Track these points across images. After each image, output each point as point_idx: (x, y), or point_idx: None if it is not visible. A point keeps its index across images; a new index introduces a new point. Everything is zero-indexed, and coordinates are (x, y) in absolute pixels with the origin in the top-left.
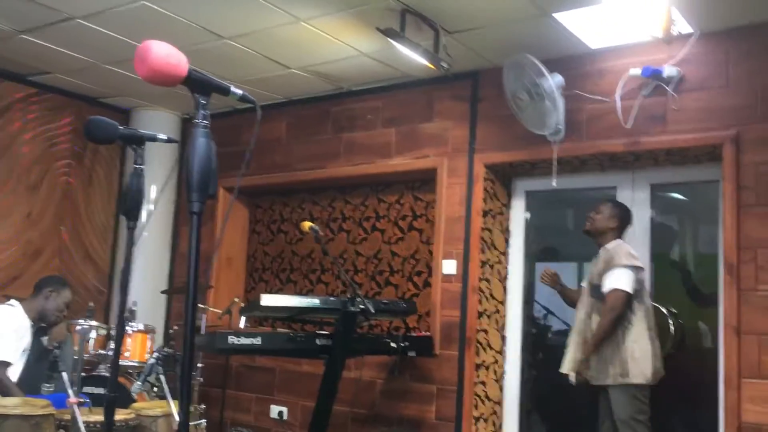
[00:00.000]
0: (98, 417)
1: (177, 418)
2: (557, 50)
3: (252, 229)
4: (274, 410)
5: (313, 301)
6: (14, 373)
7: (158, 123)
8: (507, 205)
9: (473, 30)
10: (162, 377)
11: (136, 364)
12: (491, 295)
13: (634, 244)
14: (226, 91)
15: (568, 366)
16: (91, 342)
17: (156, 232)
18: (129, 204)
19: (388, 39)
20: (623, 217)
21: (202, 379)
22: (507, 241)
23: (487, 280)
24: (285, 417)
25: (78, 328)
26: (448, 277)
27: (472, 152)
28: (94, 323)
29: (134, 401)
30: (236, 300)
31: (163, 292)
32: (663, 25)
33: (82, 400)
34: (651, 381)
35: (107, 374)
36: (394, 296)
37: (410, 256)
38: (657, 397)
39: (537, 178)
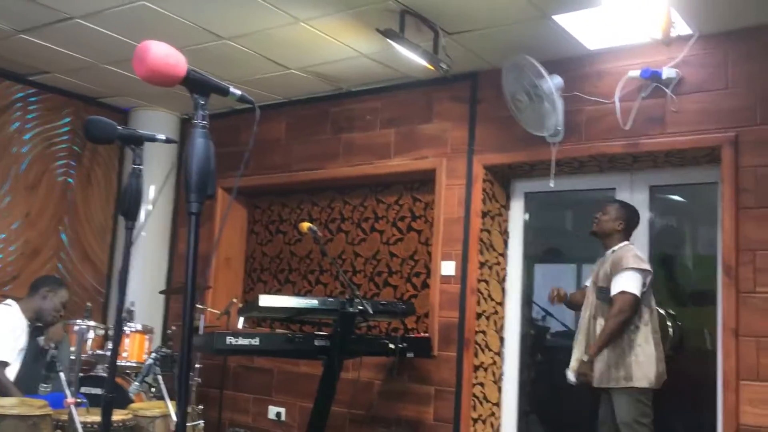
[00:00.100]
0: (96, 417)
1: (174, 418)
2: (556, 52)
3: (250, 229)
4: (272, 411)
5: (311, 302)
6: (11, 373)
7: (157, 123)
8: (506, 207)
9: (473, 31)
10: (160, 378)
11: (133, 365)
12: (490, 296)
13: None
14: (224, 92)
15: (572, 366)
16: (89, 342)
17: (154, 233)
18: (127, 204)
19: (388, 40)
20: (630, 219)
21: (200, 380)
22: (506, 242)
23: (486, 282)
24: (283, 418)
25: (75, 328)
26: (446, 278)
27: (471, 153)
28: (91, 323)
29: (132, 402)
30: (234, 300)
31: (161, 293)
32: (662, 27)
33: (79, 400)
34: (655, 385)
35: (105, 374)
36: (392, 297)
37: (409, 257)
38: (656, 400)
39: (536, 179)
